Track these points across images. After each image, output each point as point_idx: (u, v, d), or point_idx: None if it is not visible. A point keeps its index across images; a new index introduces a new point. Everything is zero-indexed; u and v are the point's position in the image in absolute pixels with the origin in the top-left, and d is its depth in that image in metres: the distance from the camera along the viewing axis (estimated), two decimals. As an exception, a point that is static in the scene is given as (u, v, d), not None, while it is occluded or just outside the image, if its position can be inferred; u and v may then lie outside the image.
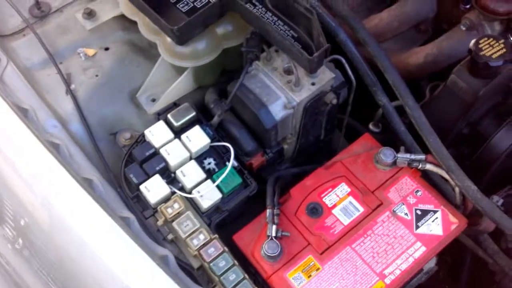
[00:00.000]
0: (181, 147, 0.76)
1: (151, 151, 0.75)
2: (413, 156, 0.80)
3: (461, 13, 1.07)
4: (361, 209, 0.77)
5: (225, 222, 0.78)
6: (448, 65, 1.04)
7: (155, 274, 0.62)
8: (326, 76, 0.79)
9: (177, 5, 0.79)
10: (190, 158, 0.77)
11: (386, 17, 1.12)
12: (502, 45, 0.85)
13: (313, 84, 0.79)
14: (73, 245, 0.64)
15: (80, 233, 0.64)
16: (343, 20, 0.84)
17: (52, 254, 0.67)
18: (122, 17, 0.87)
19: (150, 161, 0.74)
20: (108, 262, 0.62)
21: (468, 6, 1.07)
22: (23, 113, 0.73)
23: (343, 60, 0.84)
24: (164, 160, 0.75)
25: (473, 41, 0.87)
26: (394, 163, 0.80)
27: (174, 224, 0.71)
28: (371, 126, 1.04)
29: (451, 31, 1.06)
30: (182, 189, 0.75)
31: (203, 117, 0.81)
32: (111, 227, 0.63)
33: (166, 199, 0.73)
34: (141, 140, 0.77)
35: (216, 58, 0.82)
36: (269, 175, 0.88)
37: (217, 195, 0.74)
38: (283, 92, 0.79)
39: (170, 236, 0.71)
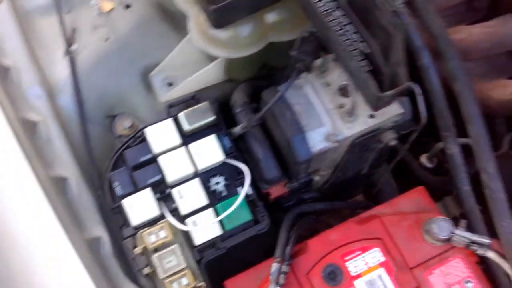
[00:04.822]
0: (187, 160, 0.60)
1: (147, 157, 0.59)
2: (475, 238, 0.62)
3: None
4: (392, 289, 0.60)
5: (222, 259, 0.62)
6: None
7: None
8: (392, 110, 0.60)
9: (224, -26, 0.60)
10: (195, 174, 0.61)
11: (477, 34, 0.89)
12: None
13: (371, 116, 0.60)
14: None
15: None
16: (430, 36, 0.64)
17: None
18: (155, -30, 0.69)
19: (144, 169, 0.58)
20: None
21: None
22: (2, 72, 0.57)
23: (418, 91, 0.65)
24: (161, 171, 0.59)
25: None
26: (449, 239, 0.62)
27: (155, 257, 0.56)
28: (423, 160, 0.85)
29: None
30: (175, 211, 0.59)
31: (223, 122, 0.64)
32: (66, 250, 0.49)
33: (152, 222, 0.58)
34: (139, 136, 0.61)
35: (258, 51, 0.64)
36: (288, 203, 0.72)
37: (216, 231, 0.58)
38: (330, 118, 0.60)
39: (146, 270, 0.56)
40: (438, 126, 0.67)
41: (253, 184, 0.63)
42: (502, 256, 0.61)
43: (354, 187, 0.84)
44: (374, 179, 0.85)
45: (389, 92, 0.50)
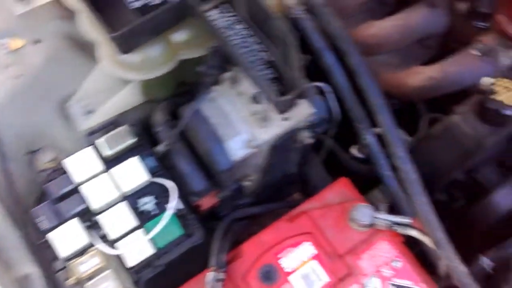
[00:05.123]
0: (110, 185, 0.60)
1: (69, 188, 0.59)
2: (396, 219, 0.66)
3: (474, 31, 0.91)
4: (326, 279, 0.63)
5: (161, 276, 0.63)
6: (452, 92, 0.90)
7: None
8: (303, 111, 0.63)
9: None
10: (122, 198, 0.62)
11: (388, 27, 0.95)
12: (522, 90, 0.70)
13: (285, 119, 0.63)
14: None
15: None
16: (330, 39, 0.67)
17: None
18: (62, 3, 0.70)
19: (68, 200, 0.59)
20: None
21: (482, 25, 0.91)
22: None
23: (328, 89, 0.68)
24: (85, 200, 0.59)
25: (485, 80, 0.72)
26: (372, 224, 0.66)
27: (88, 285, 0.56)
28: (353, 151, 0.90)
29: (461, 54, 0.90)
30: (105, 237, 0.60)
31: (147, 142, 0.65)
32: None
33: (83, 251, 0.58)
34: (61, 168, 0.61)
35: (171, 70, 0.66)
36: (224, 212, 0.74)
37: (149, 251, 0.60)
38: (246, 126, 0.63)
39: (82, 299, 0.57)
40: (351, 119, 0.72)
41: (184, 198, 0.65)
42: (423, 232, 0.65)
43: (288, 187, 0.87)
44: (308, 175, 0.89)
45: (285, 97, 0.53)
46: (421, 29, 0.95)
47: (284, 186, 0.84)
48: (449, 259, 0.61)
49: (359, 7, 1.00)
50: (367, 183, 0.75)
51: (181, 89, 0.72)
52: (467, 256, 0.76)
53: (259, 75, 0.56)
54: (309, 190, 0.93)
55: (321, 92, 0.70)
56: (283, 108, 0.57)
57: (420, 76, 0.92)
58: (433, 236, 0.62)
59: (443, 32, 0.97)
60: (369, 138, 0.71)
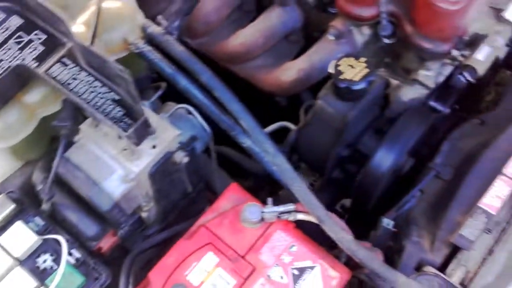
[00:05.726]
0: (1, 254, 0.61)
1: (-42, 269, 0.60)
2: (281, 208, 0.70)
3: (328, 19, 0.99)
4: (233, 281, 0.67)
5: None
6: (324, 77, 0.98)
7: None
8: (169, 134, 0.67)
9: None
10: (18, 263, 0.63)
11: (251, 34, 1.02)
12: (364, 64, 0.78)
13: (154, 147, 0.67)
14: None
15: None
16: (176, 61, 0.71)
17: None
18: None
19: (-41, 281, 0.59)
20: None
21: (333, 11, 0.99)
22: None
23: (191, 109, 0.73)
24: (-22, 276, 0.60)
25: (331, 63, 0.79)
26: (262, 219, 0.70)
27: None
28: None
29: (320, 42, 0.98)
30: (8, 305, 0.61)
31: (30, 204, 0.67)
32: None
33: (-14, 326, 0.59)
34: None
35: (36, 128, 0.68)
36: (134, 243, 0.77)
37: (53, 307, 0.61)
38: (118, 163, 0.66)
39: None
40: (223, 130, 0.76)
41: (83, 245, 0.67)
42: (307, 213, 0.71)
43: (195, 203, 0.90)
44: (213, 186, 0.92)
45: (129, 131, 0.57)
46: (280, 27, 1.02)
47: (189, 204, 0.87)
48: (333, 233, 0.67)
49: (223, 20, 1.06)
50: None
51: (56, 144, 0.74)
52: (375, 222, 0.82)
53: (102, 116, 0.59)
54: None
55: (189, 112, 0.74)
56: (136, 140, 0.60)
57: (290, 71, 0.99)
58: (315, 215, 0.68)
59: (301, 25, 1.04)
60: (246, 141, 0.76)
